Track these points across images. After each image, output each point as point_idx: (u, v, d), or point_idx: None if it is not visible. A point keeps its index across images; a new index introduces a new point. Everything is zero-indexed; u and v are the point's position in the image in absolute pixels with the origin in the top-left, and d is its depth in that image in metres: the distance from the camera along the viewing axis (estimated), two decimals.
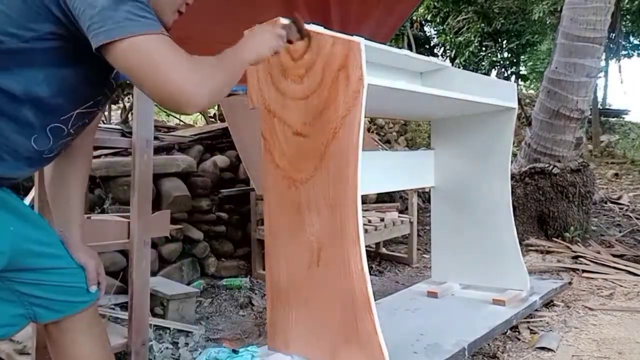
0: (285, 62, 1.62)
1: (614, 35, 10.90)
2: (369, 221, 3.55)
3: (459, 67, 8.35)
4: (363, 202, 3.85)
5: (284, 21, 1.40)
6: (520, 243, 2.52)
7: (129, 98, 6.37)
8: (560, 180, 4.10)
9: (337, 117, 1.50)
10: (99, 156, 3.09)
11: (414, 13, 9.02)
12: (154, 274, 2.80)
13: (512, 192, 2.81)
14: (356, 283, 1.48)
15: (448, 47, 12.67)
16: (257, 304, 2.85)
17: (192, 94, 0.87)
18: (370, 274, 1.87)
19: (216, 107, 8.96)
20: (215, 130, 4.30)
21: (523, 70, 13.98)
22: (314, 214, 1.59)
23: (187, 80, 0.87)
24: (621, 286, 2.93)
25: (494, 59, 12.53)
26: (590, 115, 7.89)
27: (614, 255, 3.56)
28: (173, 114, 9.75)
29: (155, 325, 2.26)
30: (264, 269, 2.92)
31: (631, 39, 13.34)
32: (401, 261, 3.84)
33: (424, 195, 5.70)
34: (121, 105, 6.82)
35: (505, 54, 12.82)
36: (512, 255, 2.45)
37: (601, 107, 13.84)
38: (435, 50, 13.57)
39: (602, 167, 9.37)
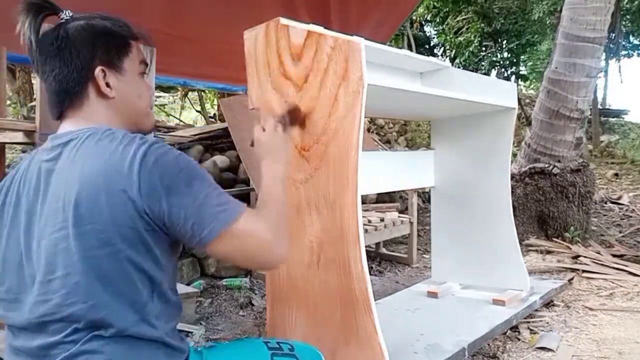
0: (285, 62, 1.62)
1: (614, 35, 10.91)
2: (369, 221, 3.55)
3: (459, 67, 8.34)
4: (363, 202, 3.85)
5: (277, 113, 1.49)
6: (520, 243, 2.52)
7: None
8: (560, 180, 4.10)
9: (337, 117, 1.49)
10: None
11: (414, 13, 9.03)
12: None
13: (512, 192, 2.82)
14: (356, 283, 1.48)
15: (448, 47, 12.69)
16: (257, 304, 2.85)
17: (278, 255, 0.94)
18: (370, 274, 1.88)
19: (216, 107, 8.97)
20: (215, 130, 4.30)
21: (523, 70, 13.99)
22: (314, 214, 1.59)
23: (271, 248, 0.92)
24: (621, 286, 2.93)
25: (494, 59, 12.55)
26: (590, 115, 7.89)
27: (614, 256, 3.56)
28: (172, 114, 9.78)
29: None
30: None
31: (631, 39, 13.33)
32: (401, 261, 3.84)
33: (424, 195, 5.70)
34: None
35: (505, 54, 12.85)
36: (512, 255, 2.45)
37: (601, 107, 13.83)
38: (435, 50, 13.60)
39: (602, 167, 9.37)
